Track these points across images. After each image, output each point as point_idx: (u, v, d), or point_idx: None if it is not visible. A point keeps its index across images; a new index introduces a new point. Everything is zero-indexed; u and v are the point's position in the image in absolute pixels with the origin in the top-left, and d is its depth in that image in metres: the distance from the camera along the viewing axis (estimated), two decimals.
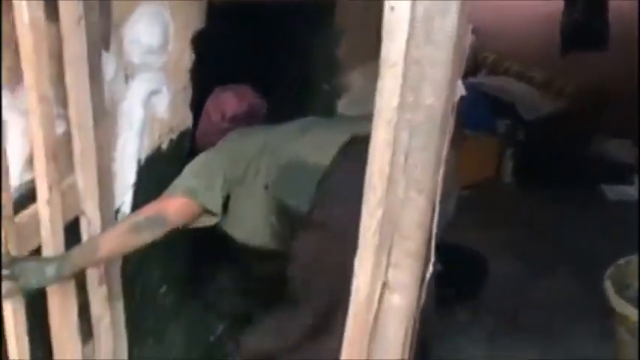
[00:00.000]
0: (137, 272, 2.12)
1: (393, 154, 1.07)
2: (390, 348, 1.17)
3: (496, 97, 3.81)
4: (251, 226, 1.92)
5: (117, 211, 2.00)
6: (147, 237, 1.79)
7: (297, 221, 1.80)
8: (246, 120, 2.11)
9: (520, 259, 3.06)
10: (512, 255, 3.07)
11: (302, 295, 1.83)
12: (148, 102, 2.04)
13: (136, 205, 2.06)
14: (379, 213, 1.11)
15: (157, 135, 2.12)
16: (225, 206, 1.93)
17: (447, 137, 1.06)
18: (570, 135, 3.77)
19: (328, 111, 2.72)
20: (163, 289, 2.29)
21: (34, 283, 1.61)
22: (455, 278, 2.49)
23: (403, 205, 1.08)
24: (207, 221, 1.91)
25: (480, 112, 3.57)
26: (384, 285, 1.14)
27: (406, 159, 1.06)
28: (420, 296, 1.15)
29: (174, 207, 1.84)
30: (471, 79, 3.91)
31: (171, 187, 1.89)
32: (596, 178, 3.78)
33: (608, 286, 2.42)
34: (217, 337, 2.44)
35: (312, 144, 1.89)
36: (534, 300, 2.81)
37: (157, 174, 2.12)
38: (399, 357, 1.17)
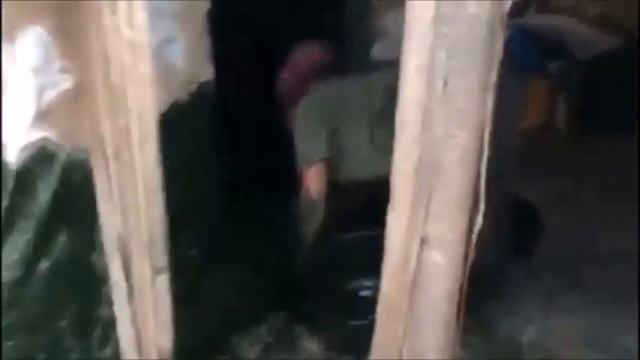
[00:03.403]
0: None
1: (429, 81, 0.86)
2: (433, 315, 0.98)
3: (546, 36, 3.47)
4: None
5: None
6: (316, 217, 2.13)
7: None
8: (324, 72, 2.23)
9: (578, 212, 2.80)
10: (569, 208, 2.81)
11: None
12: (160, 52, 1.90)
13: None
14: (414, 154, 0.91)
15: (174, 88, 1.98)
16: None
17: (497, 56, 0.85)
18: (630, 74, 3.43)
19: (363, 57, 2.55)
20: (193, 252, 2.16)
21: None
22: (507, 234, 2.28)
23: (443, 142, 0.88)
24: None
25: (528, 54, 3.26)
26: (423, 241, 0.95)
27: (445, 85, 0.85)
28: (467, 253, 0.96)
29: (309, 180, 2.10)
30: (518, 19, 3.59)
31: (300, 160, 2.12)
32: None
33: None
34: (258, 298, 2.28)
35: None
36: (596, 256, 2.56)
37: (176, 130, 1.98)
38: (444, 325, 0.98)
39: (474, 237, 0.95)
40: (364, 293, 2.34)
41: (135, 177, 1.14)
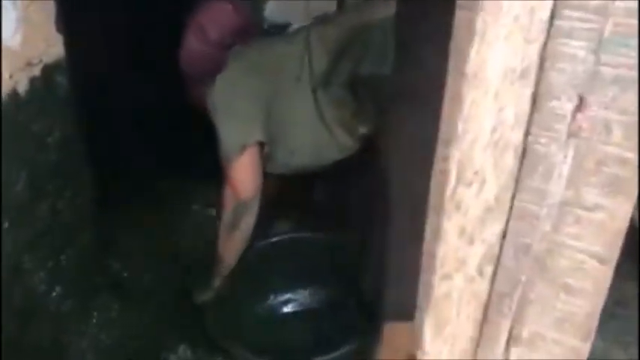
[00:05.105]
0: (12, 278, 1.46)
1: (535, 96, 0.41)
2: None
3: None
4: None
5: None
6: (247, 223, 1.71)
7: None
8: (242, 37, 1.81)
9: None
10: None
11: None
12: None
13: None
14: (495, 227, 0.47)
15: (8, 73, 1.47)
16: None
17: None
18: None
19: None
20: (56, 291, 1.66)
21: None
22: None
23: (563, 214, 0.45)
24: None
25: None
26: None
27: (580, 105, 0.41)
28: None
29: (240, 174, 1.66)
30: None
31: (225, 149, 1.67)
32: None
33: None
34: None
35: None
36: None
37: (14, 130, 1.45)
38: None
39: None
40: (287, 309, 1.94)
41: None
